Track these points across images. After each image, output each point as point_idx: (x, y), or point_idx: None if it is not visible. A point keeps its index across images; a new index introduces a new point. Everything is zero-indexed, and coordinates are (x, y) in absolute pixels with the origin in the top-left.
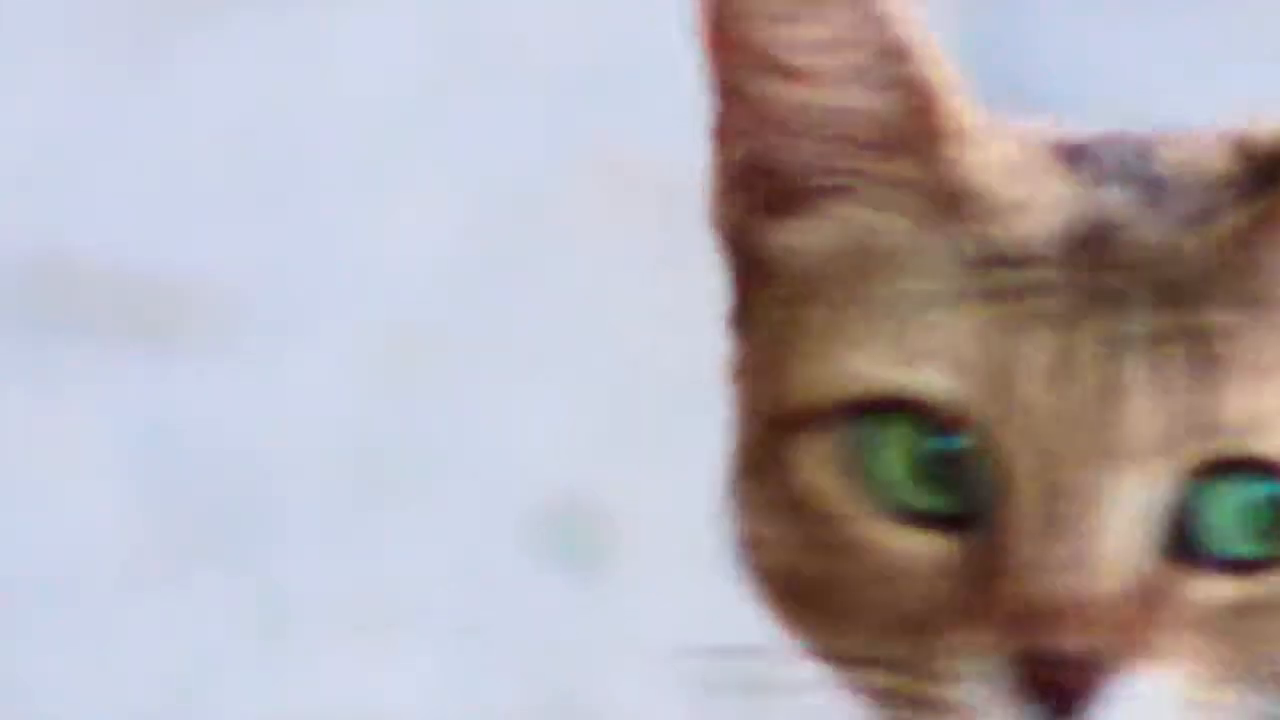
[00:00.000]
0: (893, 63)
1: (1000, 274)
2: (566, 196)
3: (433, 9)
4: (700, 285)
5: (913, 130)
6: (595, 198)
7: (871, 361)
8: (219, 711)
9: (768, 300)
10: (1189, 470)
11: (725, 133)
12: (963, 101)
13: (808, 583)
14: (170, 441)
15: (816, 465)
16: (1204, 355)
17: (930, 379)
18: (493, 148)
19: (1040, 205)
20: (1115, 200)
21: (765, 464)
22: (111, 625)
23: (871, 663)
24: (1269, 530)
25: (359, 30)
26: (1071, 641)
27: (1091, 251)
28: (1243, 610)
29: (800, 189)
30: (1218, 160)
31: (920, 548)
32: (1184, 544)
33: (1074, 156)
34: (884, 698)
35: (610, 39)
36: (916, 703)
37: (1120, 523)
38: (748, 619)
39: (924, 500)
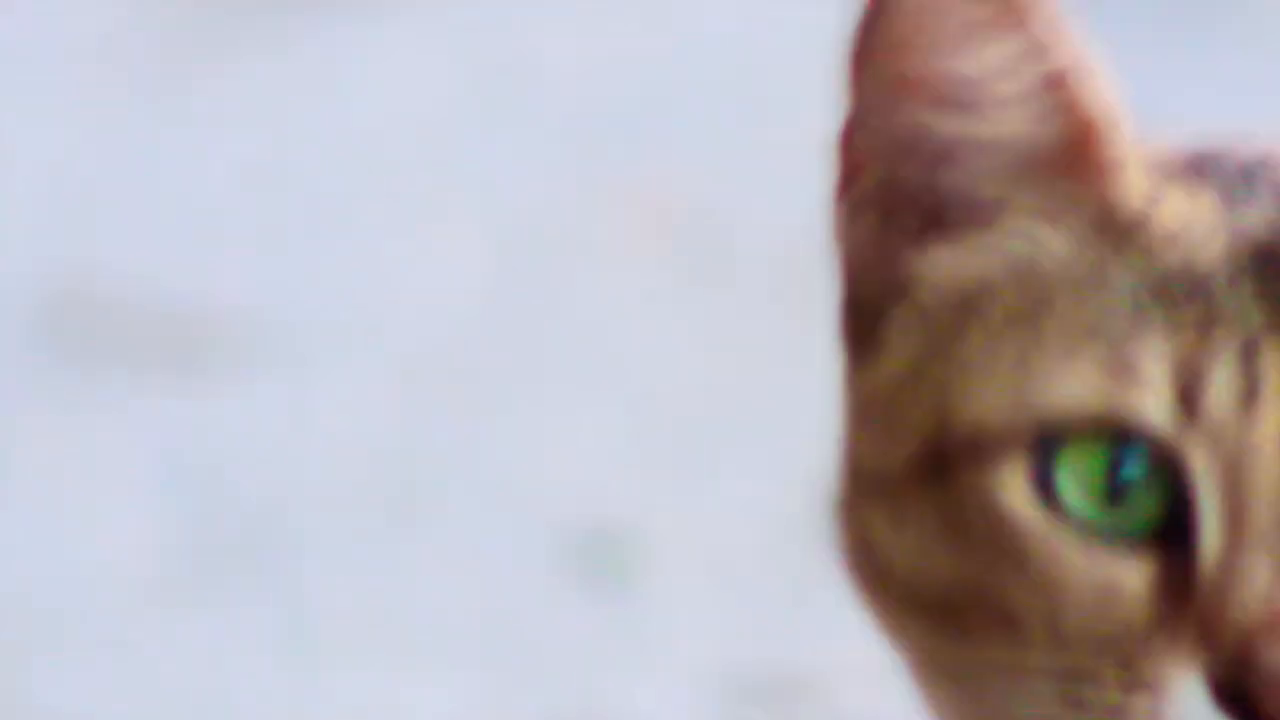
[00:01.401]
0: (1055, 90)
1: (1178, 298)
2: (592, 225)
3: (459, 42)
4: (724, 313)
5: (1075, 157)
6: (621, 226)
7: (1076, 383)
8: None
9: (906, 321)
10: None
11: (861, 156)
12: (1123, 127)
13: (968, 602)
14: (198, 467)
15: (1009, 489)
16: None
17: (1131, 401)
18: (519, 178)
19: (1202, 225)
20: (1263, 218)
21: (916, 485)
22: (140, 648)
23: (1049, 677)
24: None
25: (386, 62)
26: (1277, 656)
27: (1261, 271)
28: None
29: (956, 211)
30: None
31: (1117, 568)
32: None
33: (1198, 170)
34: (1054, 715)
35: (635, 72)
36: (1102, 716)
37: None
38: (775, 640)
39: (1118, 521)
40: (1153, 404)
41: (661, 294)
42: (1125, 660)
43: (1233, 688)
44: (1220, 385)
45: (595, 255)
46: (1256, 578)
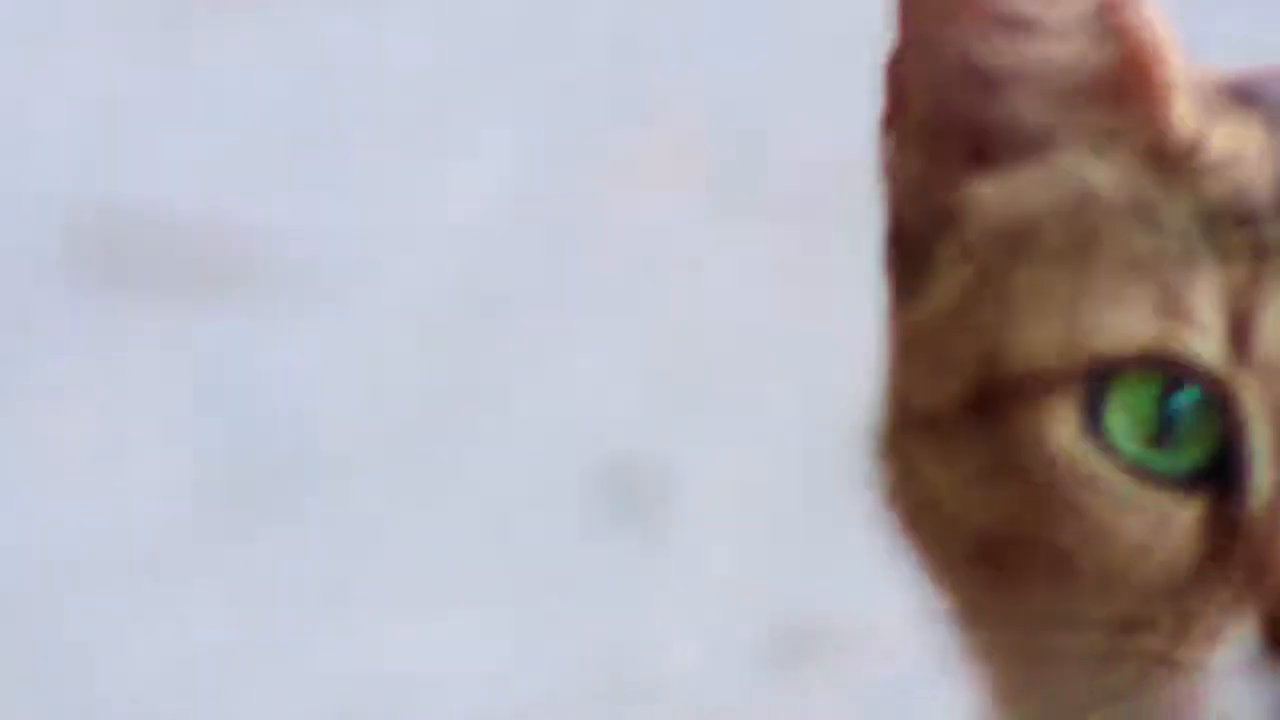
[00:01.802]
0: (1111, 14)
1: (1229, 229)
2: (623, 152)
3: None
4: (757, 242)
5: (1129, 83)
6: (653, 152)
7: (1129, 320)
8: (280, 672)
9: (953, 256)
10: None
11: (909, 83)
12: (1174, 54)
13: (1017, 544)
14: (229, 394)
15: (1060, 427)
16: None
17: (1182, 338)
18: (549, 107)
19: (1253, 155)
20: None
21: (965, 422)
22: (166, 587)
23: (1098, 624)
24: None
25: None
26: None
27: None
28: None
29: (1004, 142)
30: None
31: (1166, 509)
32: None
33: (1245, 97)
34: (1102, 659)
35: (663, 4)
36: (1153, 663)
37: None
38: (806, 579)
39: (1167, 461)
40: (1204, 341)
41: (693, 223)
42: (1174, 605)
43: None
44: (1272, 321)
45: (626, 183)
46: None
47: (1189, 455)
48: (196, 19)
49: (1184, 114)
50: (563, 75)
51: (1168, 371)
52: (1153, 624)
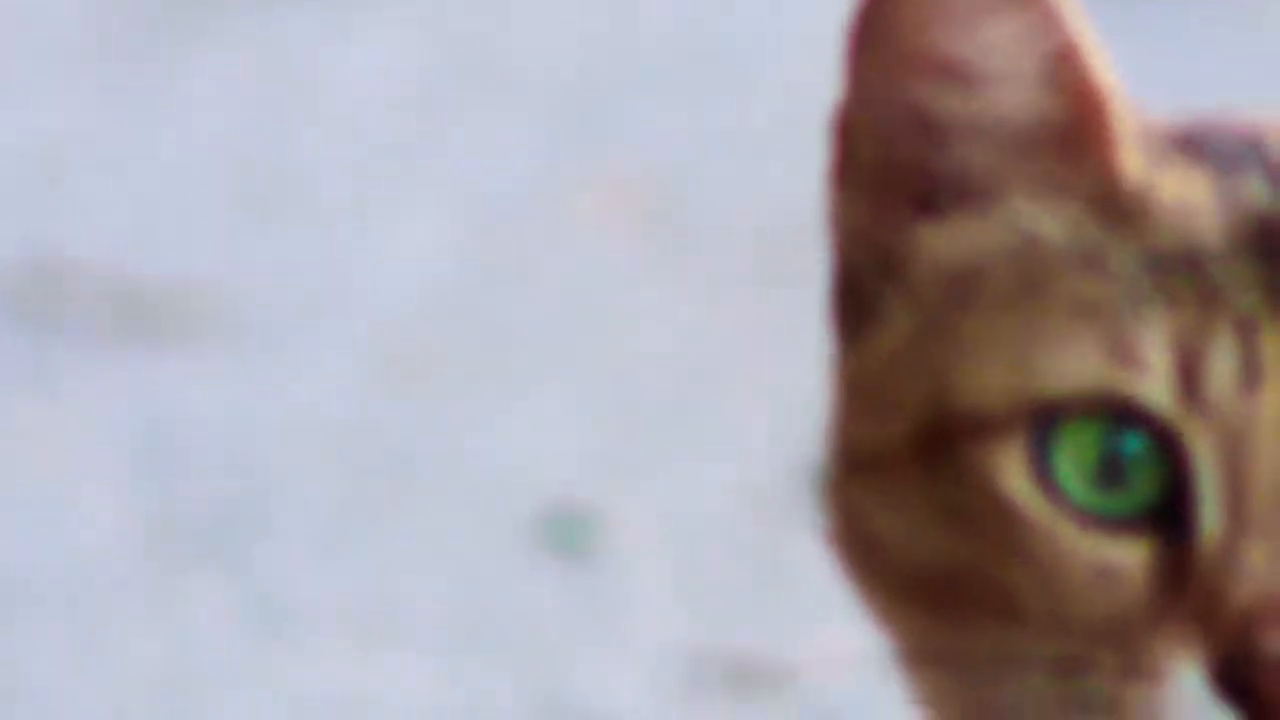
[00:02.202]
0: (1058, 66)
1: (1178, 275)
2: (562, 204)
3: (431, 23)
4: (692, 294)
5: (1077, 133)
6: (591, 206)
7: (1076, 363)
8: (215, 715)
9: (901, 302)
10: None
11: (857, 133)
12: (1123, 103)
13: (964, 585)
14: (168, 445)
15: (1008, 470)
16: None
17: (1130, 381)
18: (489, 159)
19: (1200, 203)
20: (1261, 194)
21: (911, 466)
22: (108, 627)
23: (1046, 665)
24: None
25: (358, 42)
26: (1278, 642)
27: (1259, 249)
28: None
29: (952, 190)
30: None
31: (1114, 551)
32: None
33: (1191, 147)
34: (1049, 701)
35: (603, 55)
36: (1101, 704)
37: None
38: (741, 621)
39: (1116, 503)
40: (1152, 384)
41: (630, 274)
42: (1122, 647)
43: (1232, 675)
44: (1220, 365)
45: (565, 235)
46: (1256, 562)
47: (1137, 498)
48: (138, 63)
49: (1132, 164)
50: (502, 127)
51: (1115, 415)
52: (1101, 664)
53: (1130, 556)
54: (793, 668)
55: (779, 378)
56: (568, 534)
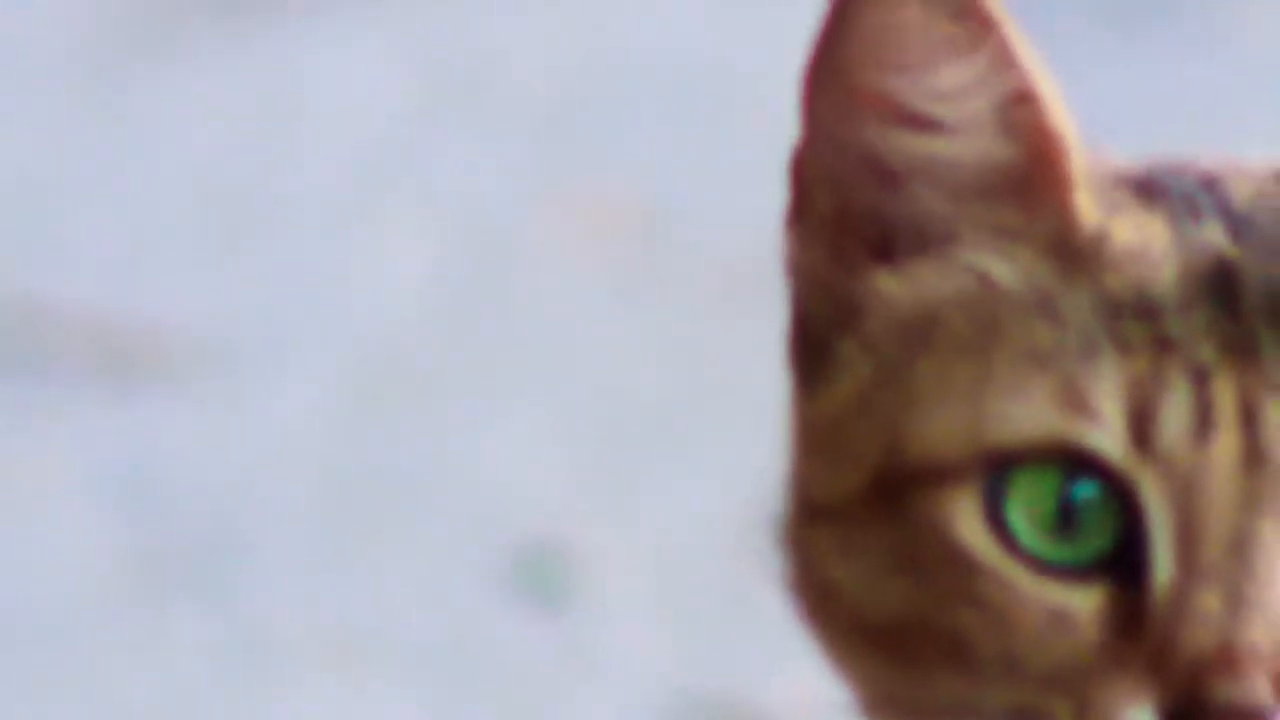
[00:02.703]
0: (1012, 112)
1: (1131, 322)
2: (538, 231)
3: (403, 44)
4: (670, 321)
5: (1032, 178)
6: (566, 233)
7: (1029, 411)
8: None
9: (856, 349)
10: None
11: (813, 178)
12: (1078, 150)
13: (918, 632)
14: (144, 479)
15: (961, 517)
16: None
17: (1082, 430)
18: (465, 183)
19: (1156, 249)
20: (1217, 240)
21: (866, 513)
22: (84, 662)
23: (1000, 712)
24: None
25: (330, 66)
26: (1231, 690)
27: (1215, 296)
28: None
29: (907, 236)
30: None
31: (1067, 599)
32: None
33: (1148, 192)
34: None
35: (579, 76)
36: None
37: (1273, 571)
38: (717, 659)
39: (1068, 551)
40: (1104, 433)
41: (608, 301)
42: (1076, 694)
43: None
44: (1172, 414)
45: (541, 262)
46: (1208, 611)
47: (1090, 545)
48: (115, 93)
49: (1087, 209)
50: (482, 150)
51: (1068, 463)
52: (1055, 712)
53: (1084, 604)
54: (772, 709)
55: (758, 412)
56: (545, 566)
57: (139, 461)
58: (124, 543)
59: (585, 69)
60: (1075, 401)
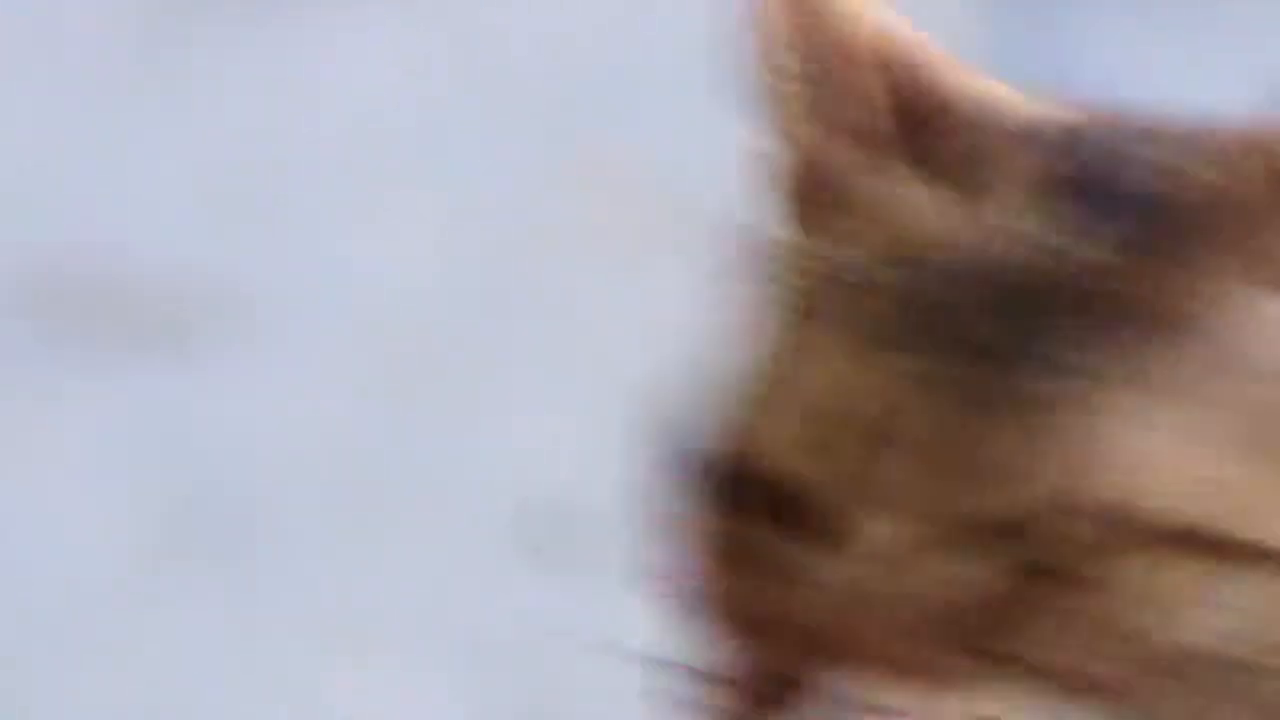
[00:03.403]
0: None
1: None
2: (558, 204)
3: (429, 28)
4: (687, 295)
5: None
6: (585, 211)
7: None
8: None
9: None
10: None
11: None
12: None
13: None
14: (168, 448)
15: None
16: None
17: None
18: (485, 160)
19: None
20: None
21: None
22: (109, 632)
23: None
24: None
25: (355, 44)
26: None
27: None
28: None
29: None
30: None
31: None
32: None
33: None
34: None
35: (599, 54)
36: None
37: None
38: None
39: None
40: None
41: (626, 274)
42: None
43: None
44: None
45: (562, 235)
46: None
47: None
48: (136, 70)
49: None
50: (493, 138)
51: None
52: None
53: None
54: None
55: None
56: (562, 545)
57: (158, 429)
58: (144, 510)
59: (606, 51)
60: None
